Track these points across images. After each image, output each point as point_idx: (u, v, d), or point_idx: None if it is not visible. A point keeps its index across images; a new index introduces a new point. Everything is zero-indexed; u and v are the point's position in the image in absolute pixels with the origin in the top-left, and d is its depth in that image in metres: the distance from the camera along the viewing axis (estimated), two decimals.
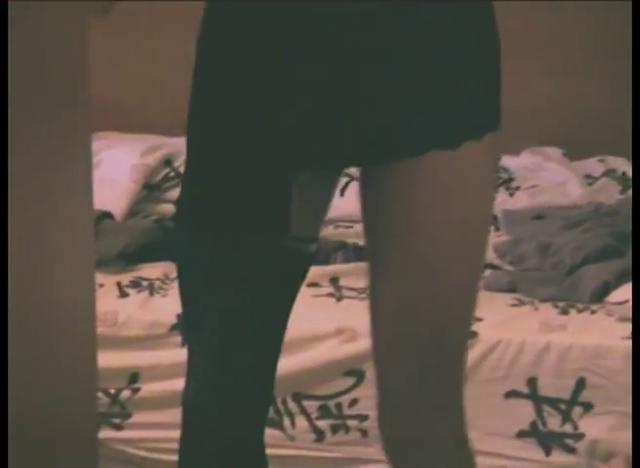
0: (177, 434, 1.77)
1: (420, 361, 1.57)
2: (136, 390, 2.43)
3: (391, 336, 1.59)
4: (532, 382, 2.33)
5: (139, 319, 2.50)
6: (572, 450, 2.33)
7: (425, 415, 1.61)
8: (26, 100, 1.62)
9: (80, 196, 1.69)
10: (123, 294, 2.58)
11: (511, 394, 2.33)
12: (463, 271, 1.55)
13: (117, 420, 2.43)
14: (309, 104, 1.55)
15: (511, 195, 3.01)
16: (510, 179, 3.05)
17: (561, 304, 2.48)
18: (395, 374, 1.60)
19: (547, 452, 2.35)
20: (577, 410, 2.33)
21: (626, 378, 2.26)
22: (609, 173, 3.07)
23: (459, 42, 1.50)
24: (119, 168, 2.92)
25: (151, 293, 2.58)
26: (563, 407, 2.34)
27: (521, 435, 2.34)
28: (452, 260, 1.53)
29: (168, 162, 3.02)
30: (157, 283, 2.63)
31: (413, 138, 1.47)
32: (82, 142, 1.71)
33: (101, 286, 2.36)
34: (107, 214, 2.76)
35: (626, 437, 2.24)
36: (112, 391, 2.44)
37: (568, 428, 2.33)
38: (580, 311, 2.46)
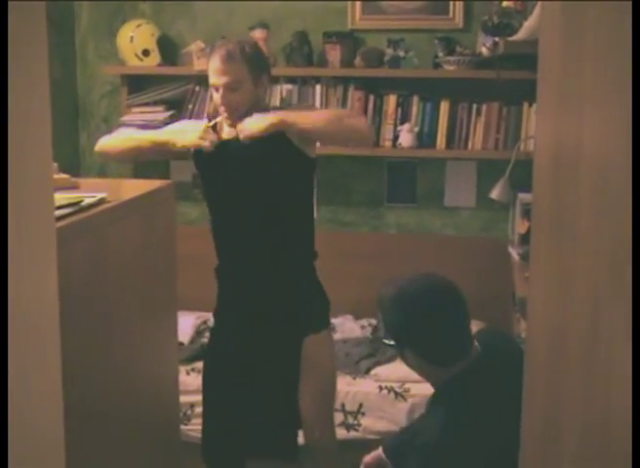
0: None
1: (321, 402, 3.14)
2: (193, 410, 3.91)
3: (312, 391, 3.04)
4: (343, 405, 3.88)
5: (192, 384, 3.87)
6: (357, 430, 3.90)
7: (325, 423, 3.23)
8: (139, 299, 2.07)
9: (172, 338, 2.44)
10: (188, 374, 4.01)
11: (335, 409, 3.49)
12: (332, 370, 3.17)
13: (185, 421, 3.86)
14: None
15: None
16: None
17: (352, 375, 3.99)
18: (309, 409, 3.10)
19: (348, 431, 3.91)
20: (359, 415, 3.90)
21: (376, 404, 3.83)
22: (369, 325, 4.51)
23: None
24: (186, 324, 4.23)
25: (198, 373, 3.81)
26: (354, 414, 3.90)
27: (339, 425, 3.78)
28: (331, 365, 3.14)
29: (204, 322, 4.53)
30: (200, 370, 3.60)
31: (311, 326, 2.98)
32: (174, 317, 2.47)
33: (180, 371, 3.11)
34: (181, 343, 4.01)
35: (374, 425, 3.84)
36: (183, 410, 3.80)
37: (355, 422, 3.91)
38: (360, 378, 4.00)
